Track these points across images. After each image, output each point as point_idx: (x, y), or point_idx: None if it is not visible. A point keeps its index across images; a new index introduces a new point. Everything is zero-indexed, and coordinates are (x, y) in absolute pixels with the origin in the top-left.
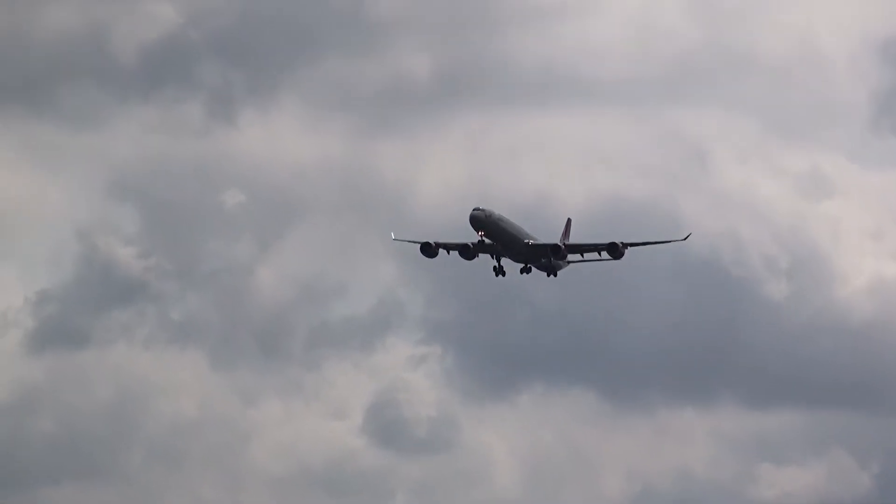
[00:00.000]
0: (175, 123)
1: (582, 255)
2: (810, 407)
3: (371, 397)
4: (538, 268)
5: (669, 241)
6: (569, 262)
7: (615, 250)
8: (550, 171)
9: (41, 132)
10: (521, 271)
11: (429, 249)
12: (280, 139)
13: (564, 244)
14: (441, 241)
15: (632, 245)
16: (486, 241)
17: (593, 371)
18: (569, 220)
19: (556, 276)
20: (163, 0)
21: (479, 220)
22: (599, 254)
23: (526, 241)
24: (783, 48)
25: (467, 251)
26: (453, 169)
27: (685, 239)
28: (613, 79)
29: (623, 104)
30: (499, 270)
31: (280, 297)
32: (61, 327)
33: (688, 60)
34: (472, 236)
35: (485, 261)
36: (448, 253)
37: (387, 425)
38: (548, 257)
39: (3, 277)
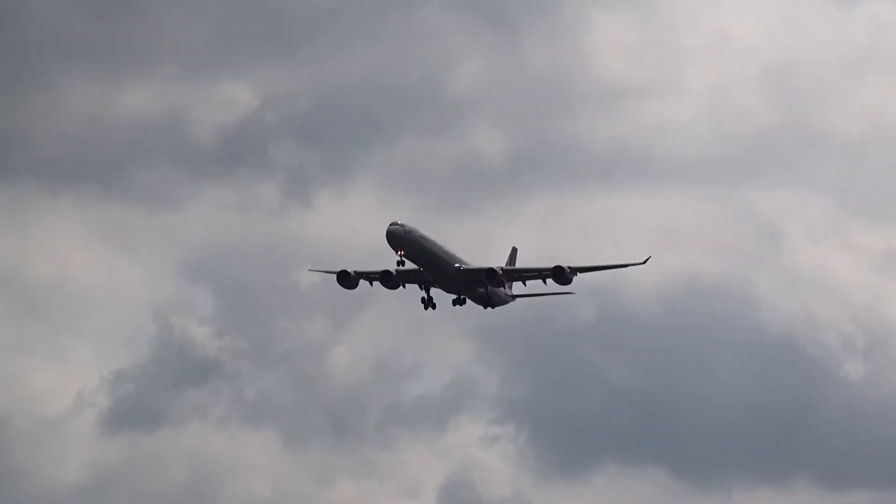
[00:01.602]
0: (250, 204)
1: (524, 283)
2: (887, 488)
3: (444, 477)
4: (473, 299)
5: (626, 266)
6: (514, 297)
7: (561, 275)
8: (623, 250)
9: (117, 212)
10: (454, 303)
11: (347, 279)
12: (355, 219)
13: (502, 269)
14: (361, 269)
15: (581, 270)
16: (409, 264)
17: (668, 450)
18: (514, 249)
19: (493, 307)
20: (239, 83)
21: (398, 237)
22: (545, 282)
23: (456, 265)
24: (858, 126)
25: (389, 279)
26: (526, 248)
27: (644, 262)
28: (687, 158)
29: (697, 183)
30: (428, 302)
31: (353, 377)
32: (136, 407)
33: (762, 139)
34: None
35: (412, 293)
36: (371, 284)
37: None
38: (483, 285)
39: (78, 357)
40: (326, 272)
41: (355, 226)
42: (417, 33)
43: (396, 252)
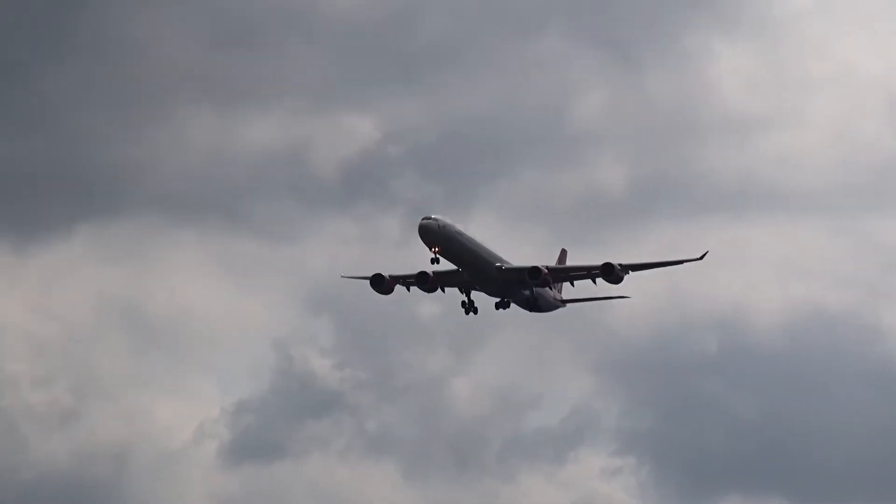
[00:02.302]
0: (372, 236)
1: (572, 284)
2: None
3: None
4: (518, 303)
5: (681, 262)
6: (564, 302)
7: (611, 272)
8: (747, 281)
9: (239, 245)
10: (497, 306)
11: (381, 283)
12: None
13: (547, 268)
14: (396, 273)
15: (633, 268)
16: (447, 265)
17: (792, 482)
18: (563, 251)
19: (540, 311)
20: (361, 115)
21: (431, 232)
22: (594, 281)
23: (497, 264)
24: None
25: (426, 281)
26: (648, 281)
27: (701, 258)
28: (812, 188)
29: (822, 214)
30: (469, 307)
31: (474, 409)
32: (257, 439)
33: (888, 169)
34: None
35: (452, 297)
36: (408, 289)
37: None
38: (527, 286)
39: (199, 389)
40: (360, 278)
41: None
42: (540, 65)
43: (431, 249)
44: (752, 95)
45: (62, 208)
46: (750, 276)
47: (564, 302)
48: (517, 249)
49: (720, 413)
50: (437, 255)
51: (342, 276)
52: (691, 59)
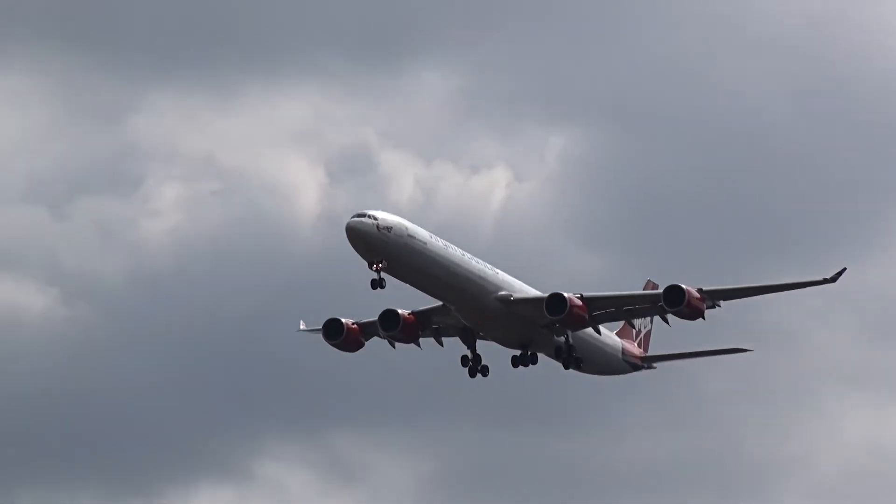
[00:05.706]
0: None
1: (632, 324)
2: None
3: None
4: (549, 354)
5: (807, 284)
6: (648, 360)
7: (679, 299)
8: None
9: None
10: (515, 362)
11: (336, 333)
12: None
13: (582, 296)
14: (364, 320)
15: (723, 295)
16: (427, 298)
17: None
18: (651, 284)
19: (580, 368)
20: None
21: (366, 237)
22: (665, 319)
23: (501, 292)
24: None
25: (395, 324)
26: None
27: (834, 280)
28: None
29: None
30: (474, 364)
31: None
32: None
33: None
34: None
35: (453, 350)
36: (392, 345)
37: None
38: (560, 330)
39: None
40: (317, 331)
41: None
42: None
43: (370, 266)
44: None
45: None
46: None
47: (649, 360)
48: None
49: None
50: (381, 276)
51: (299, 330)
52: None
